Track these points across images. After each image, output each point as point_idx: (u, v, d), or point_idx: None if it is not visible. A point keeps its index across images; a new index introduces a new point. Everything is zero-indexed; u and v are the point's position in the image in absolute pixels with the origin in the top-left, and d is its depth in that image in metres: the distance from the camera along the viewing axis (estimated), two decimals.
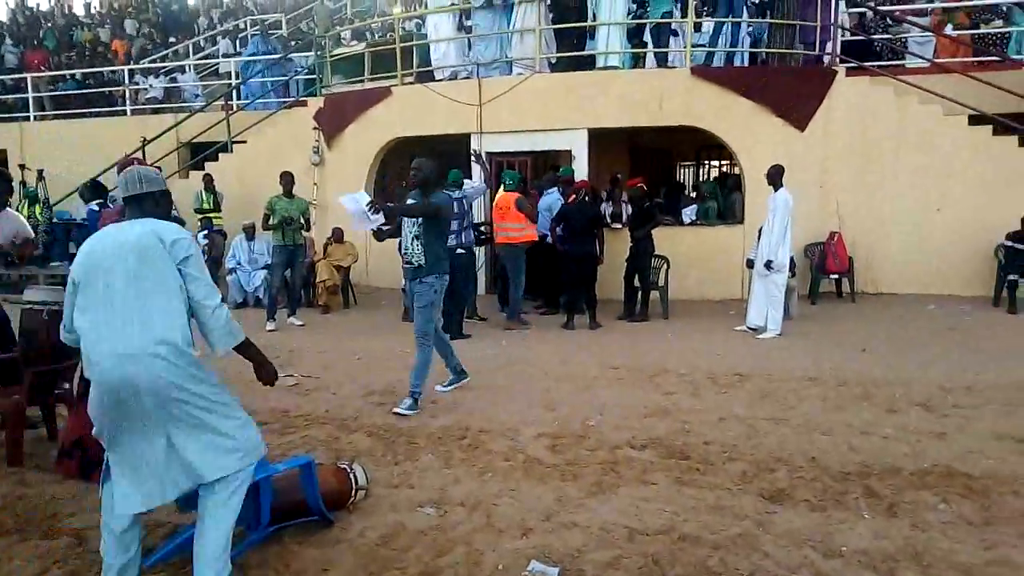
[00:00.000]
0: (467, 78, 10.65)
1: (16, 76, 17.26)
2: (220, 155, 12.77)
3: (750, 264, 8.35)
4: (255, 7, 21.02)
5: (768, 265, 7.66)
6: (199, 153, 13.36)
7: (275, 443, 4.54)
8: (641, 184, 8.89)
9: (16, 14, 24.10)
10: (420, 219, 5.38)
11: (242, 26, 18.78)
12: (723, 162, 15.52)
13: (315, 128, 11.81)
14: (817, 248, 9.49)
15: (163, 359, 2.51)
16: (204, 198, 11.26)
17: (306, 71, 13.87)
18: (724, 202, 10.62)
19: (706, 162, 16.80)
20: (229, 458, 2.66)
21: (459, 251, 7.90)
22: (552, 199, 9.04)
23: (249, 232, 10.26)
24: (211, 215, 11.14)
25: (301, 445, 4.62)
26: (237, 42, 17.85)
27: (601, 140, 10.39)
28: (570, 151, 9.99)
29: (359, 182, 11.32)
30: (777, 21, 9.92)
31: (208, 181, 11.42)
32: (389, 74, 11.10)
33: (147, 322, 2.54)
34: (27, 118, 15.26)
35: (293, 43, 15.84)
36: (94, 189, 10.73)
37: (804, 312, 8.71)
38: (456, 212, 7.75)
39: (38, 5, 26.02)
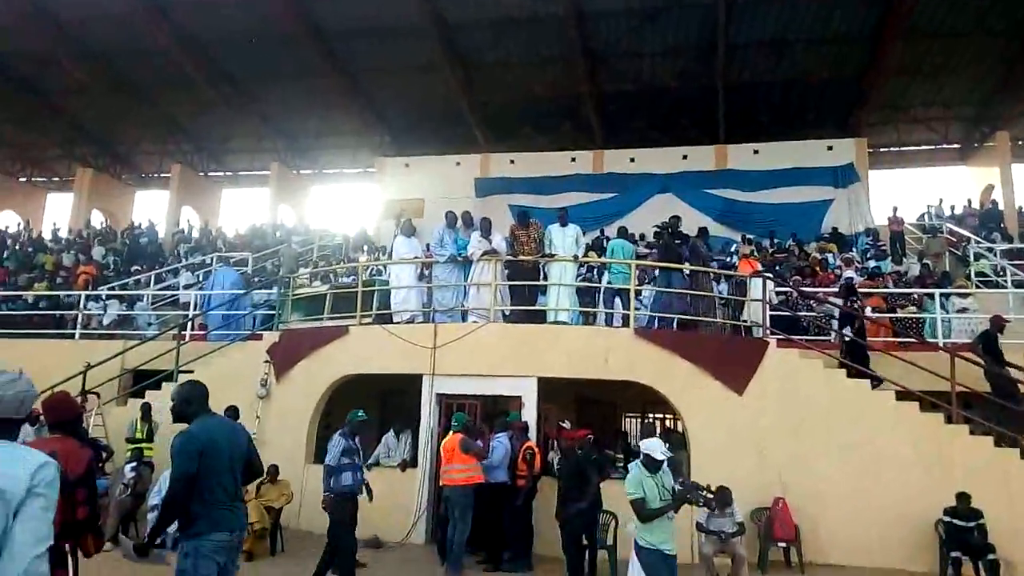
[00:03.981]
0: (423, 322, 11.06)
1: None
2: (163, 384, 12.50)
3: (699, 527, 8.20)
4: (224, 244, 22.05)
5: None
6: (143, 381, 13.07)
7: None
8: (589, 435, 8.93)
9: None
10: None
11: (208, 261, 19.52)
12: (668, 416, 15.81)
13: (266, 361, 11.80)
14: (763, 513, 9.39)
15: None
16: (139, 427, 10.78)
17: (267, 306, 14.19)
18: (671, 460, 10.63)
19: (651, 416, 17.06)
20: None
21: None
22: (500, 444, 8.98)
23: None
24: (143, 445, 10.63)
25: None
26: (199, 275, 18.42)
27: (550, 389, 10.63)
28: (520, 397, 10.15)
29: (304, 415, 11.14)
30: (700, 293, 10.92)
31: (146, 410, 11.04)
32: (348, 314, 11.46)
33: None
34: None
35: (256, 280, 16.41)
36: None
37: None
38: (347, 448, 7.83)
39: (7, 228, 26.89)
